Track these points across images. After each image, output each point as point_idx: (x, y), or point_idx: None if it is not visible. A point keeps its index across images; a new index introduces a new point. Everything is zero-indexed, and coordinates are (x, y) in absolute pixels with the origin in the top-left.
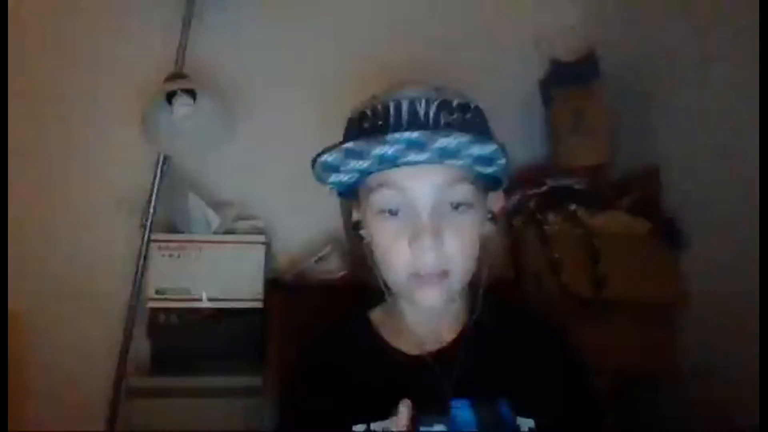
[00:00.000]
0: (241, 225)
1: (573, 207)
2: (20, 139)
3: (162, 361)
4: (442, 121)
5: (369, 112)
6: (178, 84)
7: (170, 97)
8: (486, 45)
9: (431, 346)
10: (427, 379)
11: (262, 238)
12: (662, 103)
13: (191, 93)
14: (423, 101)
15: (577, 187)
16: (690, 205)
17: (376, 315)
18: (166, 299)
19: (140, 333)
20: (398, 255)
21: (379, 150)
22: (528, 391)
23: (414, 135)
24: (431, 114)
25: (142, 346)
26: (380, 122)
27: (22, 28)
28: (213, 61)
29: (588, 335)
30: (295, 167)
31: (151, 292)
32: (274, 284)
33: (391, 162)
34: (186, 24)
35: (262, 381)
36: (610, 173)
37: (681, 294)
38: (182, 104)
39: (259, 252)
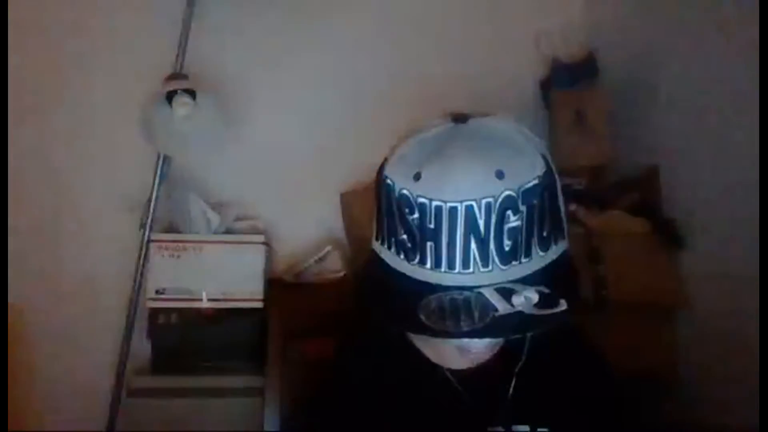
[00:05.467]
0: (241, 225)
1: (573, 207)
2: (20, 138)
3: (162, 361)
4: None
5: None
6: (178, 84)
7: (170, 97)
8: (486, 45)
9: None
10: (456, 397)
11: (262, 238)
12: (662, 103)
13: (191, 93)
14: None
15: (577, 187)
16: (690, 205)
17: None
18: (166, 299)
19: (140, 333)
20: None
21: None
22: (564, 420)
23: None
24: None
25: (142, 346)
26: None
27: (22, 28)
28: (213, 61)
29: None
30: (295, 167)
31: (151, 292)
32: (274, 284)
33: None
34: (186, 24)
35: (262, 381)
36: (610, 173)
37: (681, 295)
38: (182, 104)
39: (259, 252)
